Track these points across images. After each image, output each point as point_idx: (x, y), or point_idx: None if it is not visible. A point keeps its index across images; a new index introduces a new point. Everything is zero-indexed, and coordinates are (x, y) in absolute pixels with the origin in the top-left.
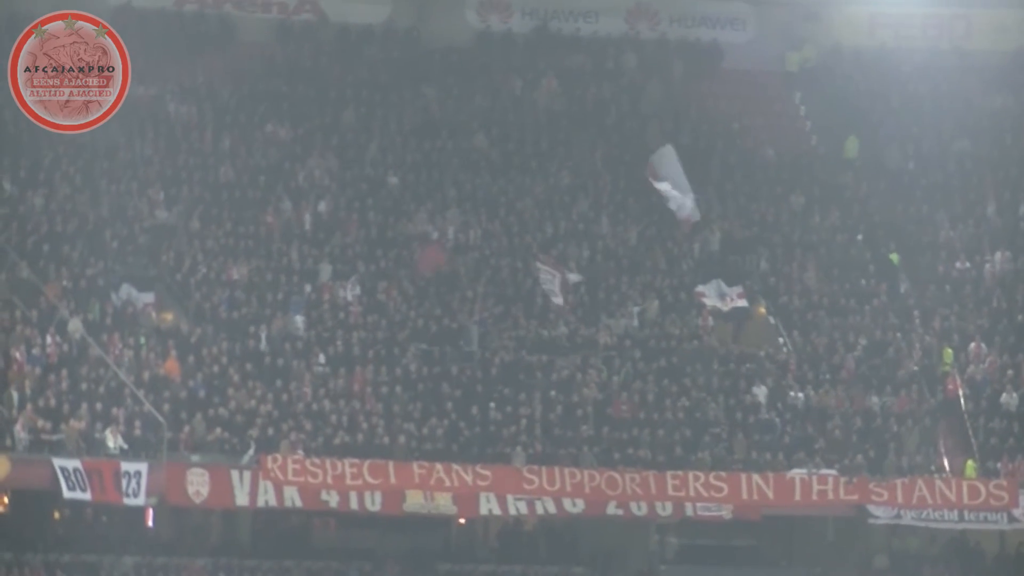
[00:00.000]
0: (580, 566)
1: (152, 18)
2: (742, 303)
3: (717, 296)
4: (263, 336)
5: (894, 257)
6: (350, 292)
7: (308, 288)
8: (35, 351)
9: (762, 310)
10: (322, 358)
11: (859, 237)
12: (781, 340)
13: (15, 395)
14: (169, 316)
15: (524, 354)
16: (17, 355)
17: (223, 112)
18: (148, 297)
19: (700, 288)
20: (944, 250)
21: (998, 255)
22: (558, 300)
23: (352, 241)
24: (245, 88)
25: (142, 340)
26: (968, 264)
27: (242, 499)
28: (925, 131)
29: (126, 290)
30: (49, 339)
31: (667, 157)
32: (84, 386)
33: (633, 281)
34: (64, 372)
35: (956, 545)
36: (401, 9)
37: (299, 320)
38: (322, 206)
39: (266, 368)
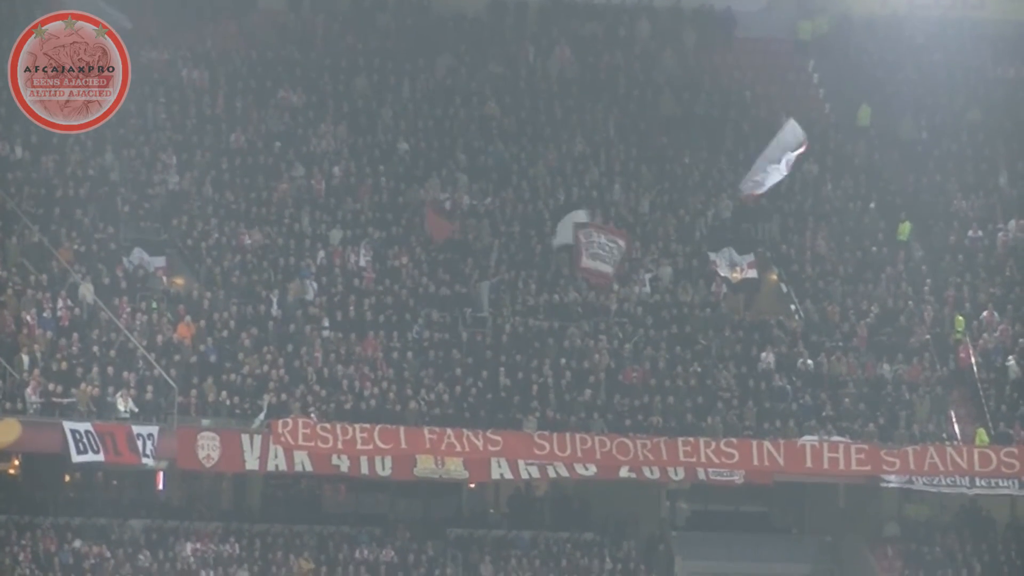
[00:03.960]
0: (591, 532)
1: None
2: (752, 273)
3: (728, 265)
4: (274, 301)
5: (904, 230)
6: (362, 258)
7: (320, 254)
8: (46, 315)
9: (774, 277)
10: (330, 322)
11: (872, 205)
12: (793, 308)
13: (26, 359)
14: (180, 281)
15: (535, 320)
16: (28, 319)
17: (236, 78)
18: (159, 262)
19: (712, 256)
20: (956, 219)
21: (1011, 224)
22: (608, 268)
23: (364, 207)
24: (258, 54)
25: (154, 304)
26: (980, 233)
27: (252, 463)
28: (938, 100)
29: (137, 255)
30: (60, 303)
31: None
32: (95, 350)
33: (646, 248)
34: (75, 336)
35: (967, 513)
36: None
37: (310, 285)
38: (336, 171)
39: (277, 333)
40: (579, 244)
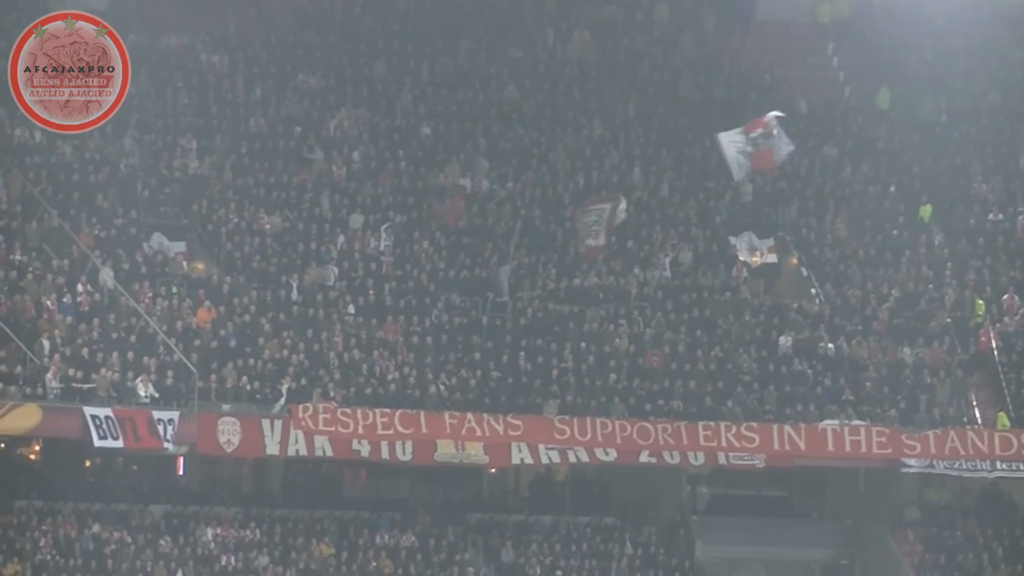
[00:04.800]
0: (611, 516)
1: None
2: (771, 258)
3: (747, 250)
4: (294, 286)
5: (925, 210)
6: (382, 242)
7: (340, 238)
8: (66, 300)
9: (794, 261)
10: (353, 308)
11: (892, 189)
12: (813, 291)
13: (46, 344)
14: (200, 266)
15: (555, 305)
16: (49, 304)
17: (255, 62)
18: (179, 247)
19: (732, 240)
20: (977, 203)
21: None
22: (598, 241)
23: (384, 192)
24: (277, 38)
25: (174, 290)
26: (1001, 216)
27: (273, 448)
28: (958, 83)
29: (157, 240)
30: (81, 288)
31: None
32: (115, 335)
33: (666, 232)
34: (95, 321)
35: (988, 497)
36: None
37: (331, 270)
38: (355, 156)
39: (297, 318)
40: (575, 231)
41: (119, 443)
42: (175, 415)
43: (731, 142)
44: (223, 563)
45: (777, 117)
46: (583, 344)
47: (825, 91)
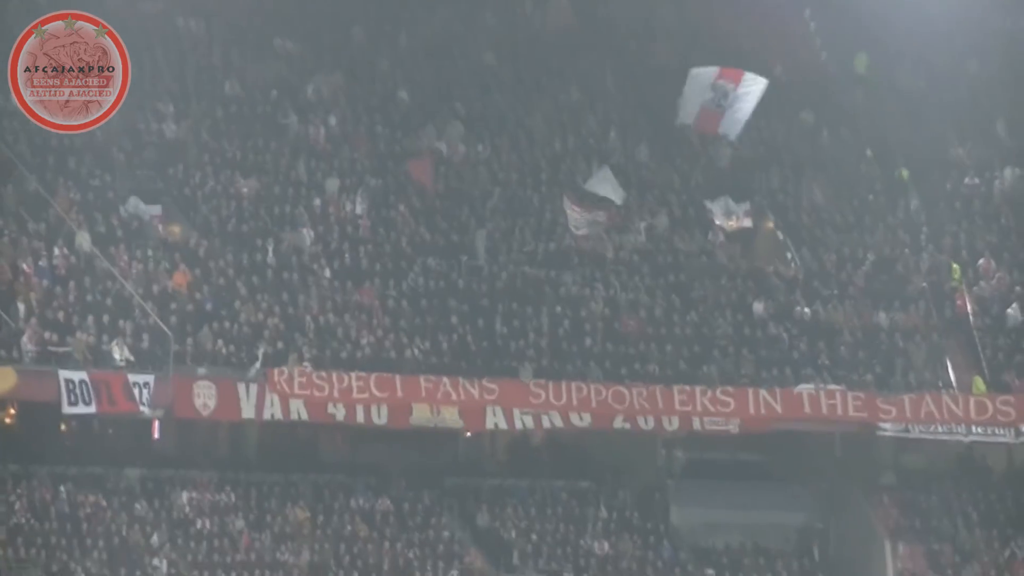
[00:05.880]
0: (587, 480)
1: None
2: (748, 223)
3: (724, 214)
4: (270, 250)
5: (904, 173)
6: (358, 206)
7: (316, 202)
8: (42, 263)
9: (770, 225)
10: (329, 272)
11: (868, 154)
12: (789, 256)
13: (22, 307)
14: (176, 229)
15: (531, 268)
16: (25, 267)
17: (231, 27)
18: (155, 210)
19: (708, 205)
20: (954, 167)
21: (1007, 172)
22: (582, 232)
23: (360, 156)
24: (254, 3)
25: (150, 253)
26: (977, 180)
27: (248, 412)
28: (936, 50)
29: (133, 203)
30: (57, 252)
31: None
32: (91, 299)
33: (642, 197)
34: (72, 285)
35: (963, 462)
36: None
37: (307, 234)
38: (332, 120)
39: (273, 281)
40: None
41: (91, 408)
42: (151, 378)
43: (697, 84)
44: (198, 526)
45: (758, 85)
46: (559, 308)
47: (802, 57)
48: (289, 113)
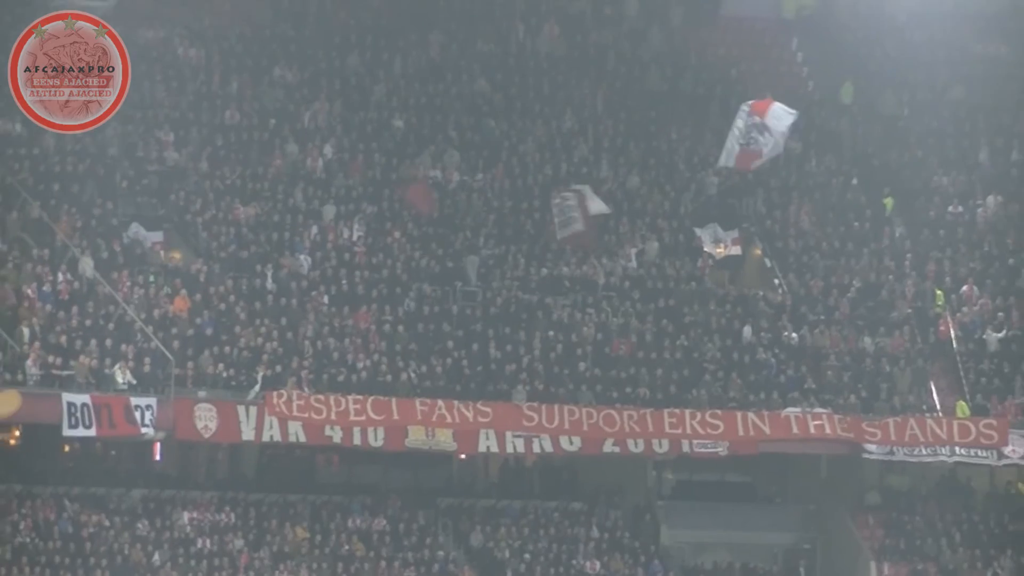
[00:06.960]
0: (579, 501)
1: None
2: (736, 250)
3: (712, 241)
4: (269, 275)
5: (888, 202)
6: (354, 232)
7: (313, 229)
8: (46, 288)
9: (758, 252)
10: (327, 298)
11: (854, 181)
12: (777, 282)
13: (26, 331)
14: (177, 255)
15: (524, 294)
16: (29, 292)
17: (231, 55)
18: (157, 236)
19: (697, 232)
20: (937, 194)
21: (990, 199)
22: (578, 227)
23: (356, 183)
24: (252, 32)
25: (151, 278)
26: (961, 208)
27: (248, 434)
28: (920, 77)
29: (135, 229)
30: (60, 277)
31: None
32: (94, 323)
33: (633, 224)
34: (75, 309)
35: (947, 483)
36: None
37: (304, 260)
38: (328, 149)
39: (272, 306)
40: (551, 219)
41: (91, 431)
42: (153, 401)
43: (739, 123)
44: (199, 546)
45: (790, 118)
46: (551, 332)
47: (790, 85)
48: (288, 140)
